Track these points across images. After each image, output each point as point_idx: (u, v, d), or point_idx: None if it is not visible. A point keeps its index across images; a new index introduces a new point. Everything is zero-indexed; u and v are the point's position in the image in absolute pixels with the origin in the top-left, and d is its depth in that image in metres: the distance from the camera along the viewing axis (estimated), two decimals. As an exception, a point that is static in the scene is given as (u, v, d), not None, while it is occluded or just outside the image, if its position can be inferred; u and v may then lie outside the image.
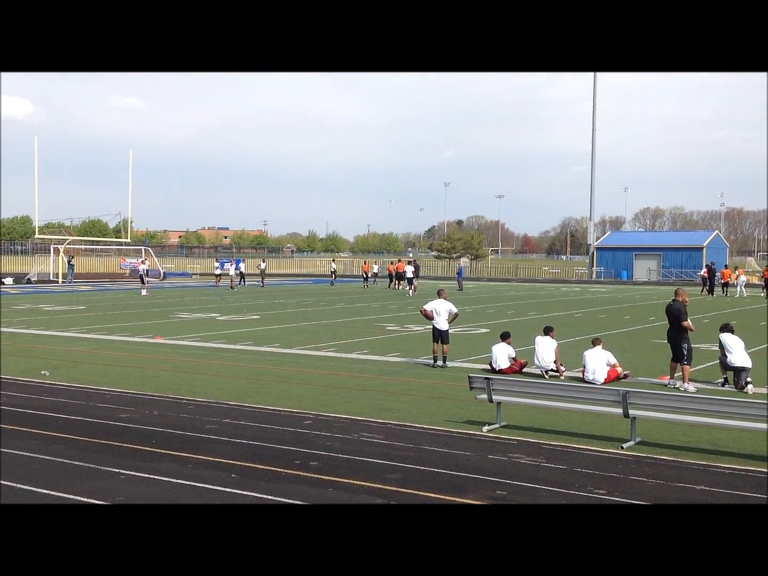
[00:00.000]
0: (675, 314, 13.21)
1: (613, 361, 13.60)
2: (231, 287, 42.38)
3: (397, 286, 42.72)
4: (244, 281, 46.17)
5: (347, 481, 7.62)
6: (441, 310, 15.21)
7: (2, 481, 7.47)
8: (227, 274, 45.08)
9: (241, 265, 48.15)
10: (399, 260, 48.77)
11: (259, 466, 8.16)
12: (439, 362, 15.11)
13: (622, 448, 8.99)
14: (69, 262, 50.48)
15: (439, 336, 15.08)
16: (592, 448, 9.03)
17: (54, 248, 52.70)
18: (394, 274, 43.35)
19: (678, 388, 12.60)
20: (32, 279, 49.12)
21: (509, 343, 14.67)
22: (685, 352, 12.97)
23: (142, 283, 37.97)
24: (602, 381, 13.11)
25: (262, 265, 47.35)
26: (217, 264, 47.55)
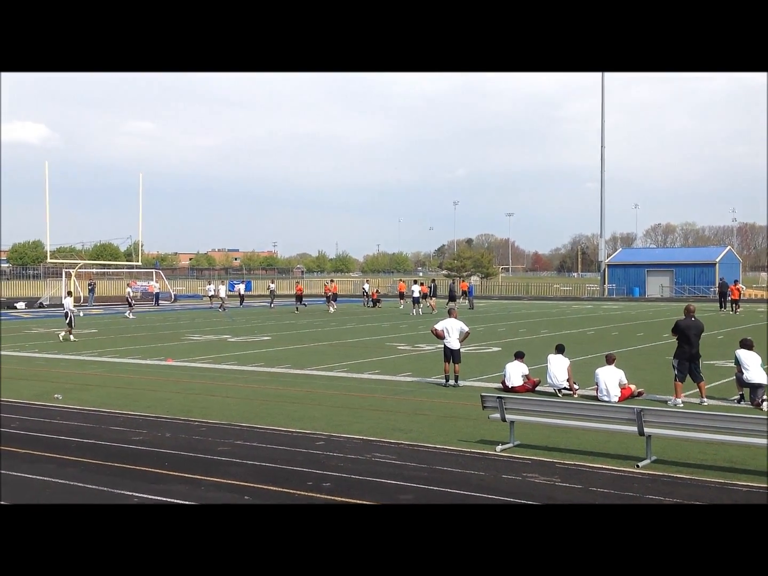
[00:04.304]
0: (701, 330, 13.19)
1: (625, 381, 13.46)
2: (221, 308, 42.64)
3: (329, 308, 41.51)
4: (241, 302, 46.78)
5: (360, 502, 7.57)
6: (452, 329, 15.17)
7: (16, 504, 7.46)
8: (215, 296, 45.07)
9: (240, 287, 48.70)
10: (332, 281, 49.23)
11: (271, 487, 8.13)
12: (451, 381, 15.05)
13: (637, 466, 8.90)
14: (90, 287, 50.76)
15: (451, 355, 15.04)
16: (607, 467, 8.95)
17: (66, 272, 53.00)
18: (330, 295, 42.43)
19: (701, 404, 12.65)
20: (44, 303, 49.35)
21: (523, 362, 14.62)
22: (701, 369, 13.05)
23: (129, 306, 37.86)
24: (616, 399, 13.00)
25: (272, 286, 47.45)
26: (209, 287, 48.02)
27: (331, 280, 50.65)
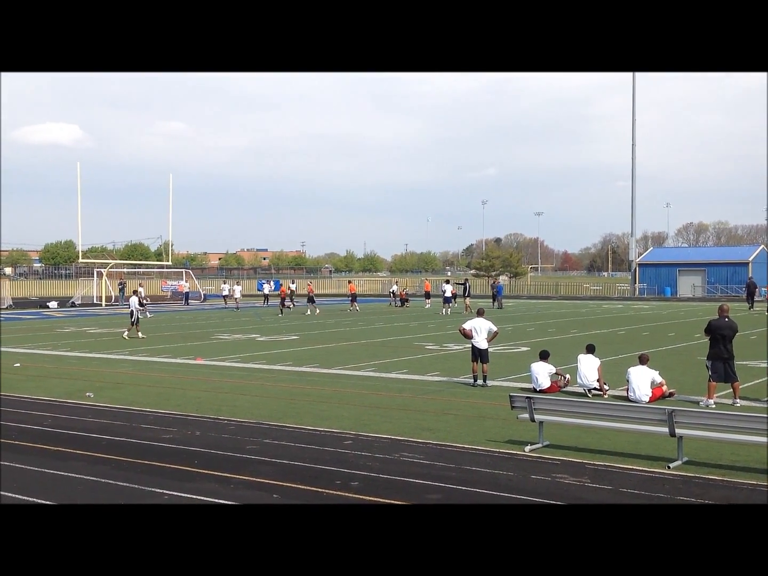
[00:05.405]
0: (735, 331, 13.03)
1: (659, 379, 13.33)
2: (237, 308, 42.87)
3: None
4: (266, 301, 46.68)
5: (388, 501, 7.56)
6: (480, 328, 15.11)
7: (47, 502, 7.56)
8: (230, 296, 44.89)
9: (265, 287, 48.73)
10: (349, 281, 48.61)
11: (300, 486, 8.15)
12: (480, 381, 14.99)
13: (668, 468, 8.79)
14: (120, 286, 51.35)
15: (479, 355, 14.97)
16: (637, 467, 8.85)
17: (97, 272, 53.66)
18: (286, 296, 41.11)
19: (733, 405, 12.56)
20: (76, 302, 50.02)
21: (548, 362, 14.47)
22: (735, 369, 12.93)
23: (142, 306, 38.19)
24: (647, 400, 12.86)
25: (293, 286, 47.08)
26: (223, 286, 47.94)
27: (349, 281, 50.64)
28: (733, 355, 12.93)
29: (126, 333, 25.76)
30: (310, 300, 40.41)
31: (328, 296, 65.11)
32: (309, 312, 39.00)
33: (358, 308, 41.42)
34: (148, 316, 36.94)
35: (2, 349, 22.70)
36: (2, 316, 39.24)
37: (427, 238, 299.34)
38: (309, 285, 43.21)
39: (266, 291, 48.99)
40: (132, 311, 25.97)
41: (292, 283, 47.45)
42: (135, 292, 27.92)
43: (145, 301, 38.84)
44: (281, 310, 39.43)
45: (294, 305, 43.00)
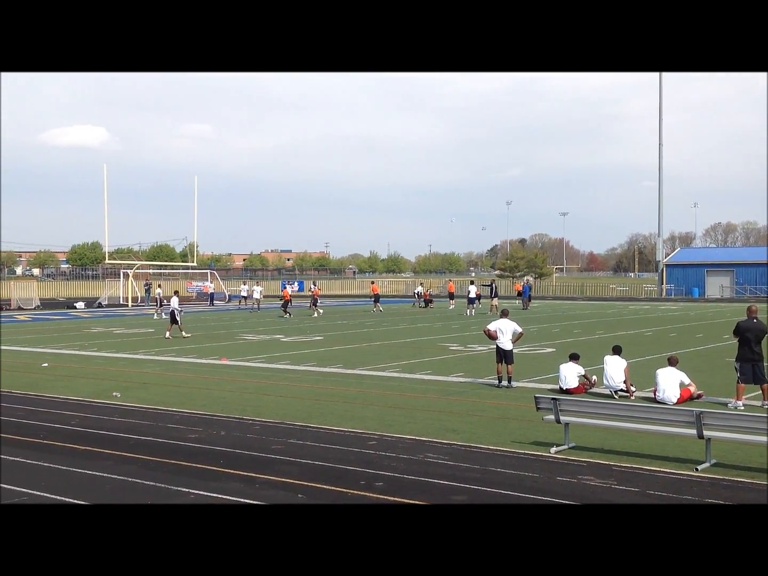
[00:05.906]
0: (764, 332, 12.87)
1: (687, 381, 13.18)
2: (257, 308, 42.80)
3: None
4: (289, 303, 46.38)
5: (413, 501, 7.55)
6: (505, 329, 15.04)
7: (77, 501, 7.65)
8: (250, 297, 44.59)
9: (288, 287, 48.60)
10: (372, 282, 48.52)
11: (325, 486, 8.16)
12: (504, 382, 14.92)
13: (696, 470, 8.69)
14: (146, 287, 51.82)
15: (503, 356, 14.90)
16: (665, 470, 8.76)
17: (123, 273, 54.22)
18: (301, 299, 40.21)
19: (762, 407, 12.40)
20: (103, 303, 50.56)
21: (578, 363, 14.38)
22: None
23: (159, 305, 38.44)
24: (675, 401, 12.73)
25: (313, 288, 46.63)
26: (243, 287, 47.76)
27: (372, 282, 50.73)
28: (762, 357, 12.77)
29: (184, 333, 26.12)
30: (376, 299, 41.26)
31: (352, 297, 65.21)
32: (315, 314, 38.66)
33: (381, 309, 41.42)
34: (164, 316, 37.11)
35: (29, 349, 23.02)
36: (29, 316, 39.78)
37: (451, 238, 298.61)
38: (316, 288, 42.72)
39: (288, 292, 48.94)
40: (173, 311, 26.28)
41: (314, 285, 46.90)
42: (176, 293, 28.34)
43: (164, 302, 39.13)
44: (284, 311, 38.32)
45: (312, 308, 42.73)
